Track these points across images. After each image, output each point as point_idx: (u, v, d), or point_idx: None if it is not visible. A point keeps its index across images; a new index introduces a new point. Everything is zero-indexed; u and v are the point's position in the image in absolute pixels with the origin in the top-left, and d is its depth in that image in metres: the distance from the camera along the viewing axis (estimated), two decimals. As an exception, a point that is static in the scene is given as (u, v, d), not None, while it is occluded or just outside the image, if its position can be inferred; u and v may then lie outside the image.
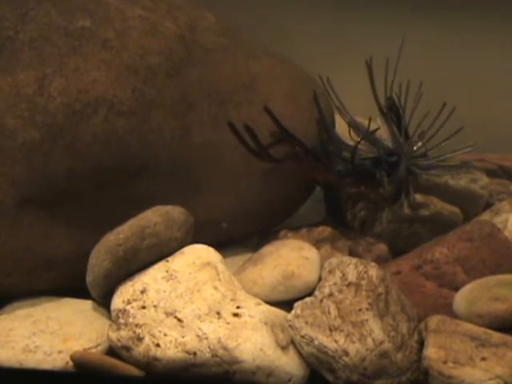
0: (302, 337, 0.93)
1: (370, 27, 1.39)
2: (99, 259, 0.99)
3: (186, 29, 1.11)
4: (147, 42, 1.06)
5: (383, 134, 1.18)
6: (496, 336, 0.93)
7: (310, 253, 1.04)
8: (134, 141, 1.04)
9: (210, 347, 0.92)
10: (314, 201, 1.22)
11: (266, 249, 1.07)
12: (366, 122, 1.14)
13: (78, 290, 1.03)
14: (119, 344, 0.94)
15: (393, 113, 1.16)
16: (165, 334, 0.94)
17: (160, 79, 1.06)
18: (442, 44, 1.40)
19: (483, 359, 0.91)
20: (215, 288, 0.98)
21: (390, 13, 1.38)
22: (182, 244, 1.02)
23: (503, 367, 0.90)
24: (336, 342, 0.92)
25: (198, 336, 0.93)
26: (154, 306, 0.96)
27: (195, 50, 1.10)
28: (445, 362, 0.91)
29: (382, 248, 1.11)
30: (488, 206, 1.19)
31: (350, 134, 1.16)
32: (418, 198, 1.13)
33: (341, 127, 1.19)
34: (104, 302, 1.01)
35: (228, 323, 0.94)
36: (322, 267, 1.01)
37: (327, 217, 1.23)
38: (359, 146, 1.11)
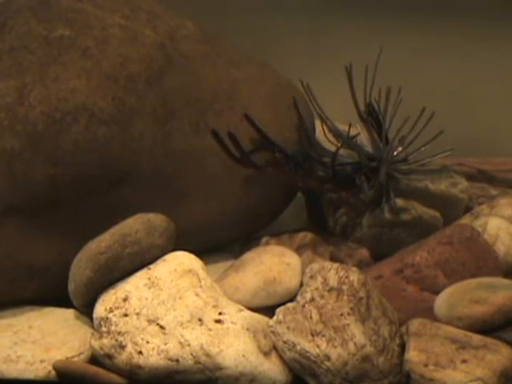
0: (285, 342, 0.94)
1: (350, 33, 1.40)
2: (81, 268, 0.99)
3: (166, 37, 1.11)
4: (127, 51, 1.07)
5: (364, 139, 1.19)
6: (476, 338, 0.94)
7: (292, 259, 1.05)
8: (115, 149, 1.04)
9: (192, 354, 0.93)
10: (295, 207, 1.22)
11: (248, 255, 1.07)
12: (346, 128, 1.15)
13: (61, 299, 1.03)
14: (102, 352, 0.94)
15: (373, 118, 1.17)
16: (147, 342, 0.94)
17: (140, 87, 1.06)
18: (422, 49, 1.41)
19: (464, 361, 0.91)
20: (197, 295, 0.98)
21: (370, 18, 1.39)
22: (164, 251, 1.02)
23: (484, 369, 0.91)
24: (318, 346, 0.92)
25: (180, 343, 0.94)
26: (137, 314, 0.96)
27: (175, 57, 1.10)
28: (426, 365, 0.92)
29: (363, 253, 1.12)
30: (468, 209, 1.20)
31: (327, 138, 1.17)
32: (399, 202, 1.14)
33: (321, 133, 1.20)
34: (86, 310, 1.01)
35: (210, 330, 0.95)
36: (303, 273, 1.02)
37: (309, 223, 1.24)
38: (340, 152, 1.12)
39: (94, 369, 0.94)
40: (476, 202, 1.25)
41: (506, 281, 1.02)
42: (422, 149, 1.17)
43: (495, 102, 1.41)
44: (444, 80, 1.40)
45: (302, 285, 1.01)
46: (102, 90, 1.04)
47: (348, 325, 0.94)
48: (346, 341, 0.93)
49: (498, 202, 1.17)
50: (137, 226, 1.01)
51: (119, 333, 0.95)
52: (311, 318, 0.95)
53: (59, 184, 1.02)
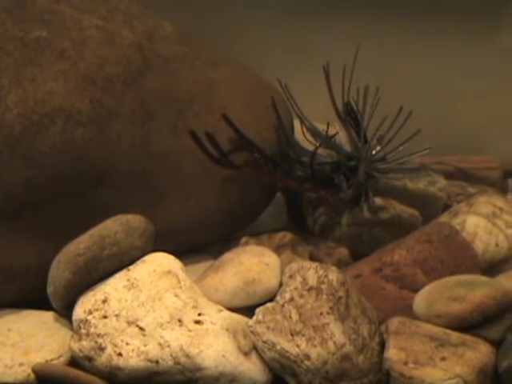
0: (264, 342, 0.94)
1: (328, 32, 1.40)
2: (60, 270, 0.99)
3: (144, 38, 1.11)
4: (104, 52, 1.06)
5: (342, 138, 1.19)
6: (455, 336, 0.95)
7: (271, 259, 1.05)
8: (92, 150, 1.04)
9: (172, 355, 0.93)
10: (275, 206, 1.23)
11: (227, 256, 1.07)
12: (325, 128, 1.15)
13: (40, 302, 1.02)
14: (81, 354, 0.94)
15: (351, 118, 1.18)
16: (127, 343, 0.94)
17: (118, 88, 1.06)
18: (400, 48, 1.41)
19: (443, 359, 0.92)
20: (176, 296, 0.98)
21: (348, 17, 1.39)
22: (143, 252, 1.02)
23: (463, 366, 0.91)
24: (298, 346, 0.93)
25: (160, 344, 0.93)
26: (116, 316, 0.96)
27: (153, 58, 1.10)
28: (406, 363, 0.92)
29: (342, 252, 1.12)
30: (446, 207, 1.21)
31: (306, 138, 1.17)
32: (378, 201, 1.15)
33: (300, 133, 1.20)
34: (66, 312, 1.00)
35: (190, 330, 0.95)
36: (282, 273, 1.02)
37: (289, 222, 1.24)
38: (318, 152, 1.12)
39: (73, 371, 0.94)
40: (454, 200, 1.25)
41: (484, 278, 1.02)
42: (401, 148, 1.17)
43: (474, 100, 1.42)
44: (422, 79, 1.41)
45: (281, 284, 1.01)
46: (79, 92, 1.03)
47: (327, 324, 0.94)
48: (325, 340, 0.93)
49: (477, 200, 1.17)
50: (116, 227, 1.00)
51: (98, 335, 0.95)
52: (291, 317, 0.95)
53: (37, 186, 1.01)
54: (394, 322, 0.97)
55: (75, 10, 1.08)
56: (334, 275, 0.98)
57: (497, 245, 1.11)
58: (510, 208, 1.15)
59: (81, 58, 1.05)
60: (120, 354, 0.93)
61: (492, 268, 1.10)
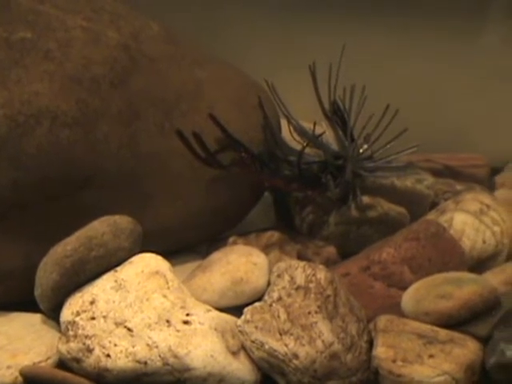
0: (253, 342, 0.94)
1: (315, 31, 1.40)
2: (47, 271, 0.99)
3: (130, 38, 1.10)
4: (90, 52, 1.06)
5: (329, 138, 1.19)
6: (443, 333, 0.95)
7: (259, 258, 1.05)
8: (79, 151, 1.03)
9: (160, 356, 0.92)
10: (263, 206, 1.23)
11: (215, 255, 1.07)
12: (312, 127, 1.15)
13: (28, 304, 1.02)
14: (69, 356, 0.94)
15: (338, 117, 1.18)
16: (115, 345, 0.94)
17: (104, 89, 1.06)
18: (387, 47, 1.42)
19: (431, 356, 0.92)
20: (164, 296, 0.98)
21: (335, 16, 1.39)
22: (131, 253, 1.02)
23: (450, 363, 0.91)
24: (286, 345, 0.93)
25: (148, 345, 0.93)
26: (104, 317, 0.96)
27: (139, 58, 1.10)
28: (394, 361, 0.92)
29: (330, 250, 1.12)
30: (434, 205, 1.21)
31: (293, 138, 1.17)
32: (365, 199, 1.15)
33: (287, 132, 1.20)
34: (53, 314, 1.00)
35: (178, 331, 0.94)
36: (270, 272, 1.02)
37: (277, 221, 1.24)
38: (305, 151, 1.12)
39: (61, 373, 0.93)
40: (442, 197, 1.26)
41: (471, 276, 1.03)
42: (388, 146, 1.17)
43: (461, 98, 1.43)
44: (410, 77, 1.41)
45: (269, 284, 1.01)
46: (65, 93, 1.03)
47: (315, 323, 0.94)
48: (313, 339, 0.93)
49: (464, 198, 1.18)
50: (103, 228, 1.00)
51: (86, 336, 0.94)
52: (279, 316, 0.95)
53: (23, 188, 1.01)
54: (382, 320, 0.97)
55: (60, 10, 1.08)
56: (321, 274, 0.98)
57: (484, 242, 1.11)
58: (497, 205, 1.15)
59: (66, 59, 1.04)
60: (108, 356, 0.93)
61: (479, 265, 1.10)
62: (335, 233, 1.14)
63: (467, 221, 1.13)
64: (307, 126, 1.18)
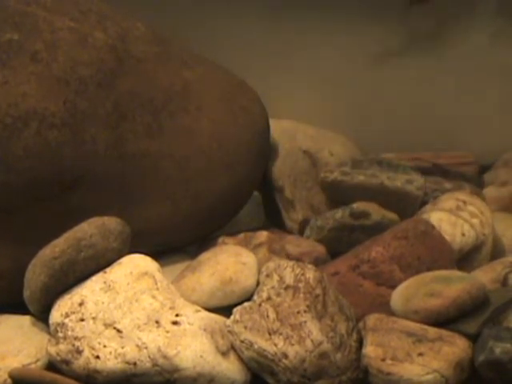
0: (242, 341, 0.94)
1: (300, 31, 1.40)
2: (36, 273, 0.98)
3: (117, 39, 1.10)
4: (77, 54, 1.06)
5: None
6: (432, 331, 0.95)
7: (248, 258, 1.05)
8: (67, 153, 1.03)
9: (150, 356, 0.92)
10: (252, 206, 1.23)
11: (204, 256, 1.07)
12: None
13: (17, 306, 1.02)
14: (58, 358, 0.94)
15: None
16: (104, 346, 0.93)
17: (92, 90, 1.06)
18: (377, 46, 1.42)
19: (420, 354, 0.92)
20: (153, 297, 0.98)
21: (320, 17, 1.39)
22: (120, 254, 1.02)
23: (440, 361, 0.91)
24: (275, 345, 0.93)
25: (137, 346, 0.93)
26: (93, 318, 0.96)
27: (127, 59, 1.10)
28: (383, 360, 0.92)
29: (320, 250, 1.12)
30: (423, 204, 1.21)
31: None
32: (360, 206, 1.14)
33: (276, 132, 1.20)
34: (42, 316, 1.00)
35: (167, 331, 0.94)
36: (259, 272, 1.02)
37: (266, 221, 1.24)
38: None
39: (50, 375, 0.93)
40: (431, 195, 1.26)
41: (460, 273, 1.03)
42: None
43: (450, 96, 1.43)
44: (399, 76, 1.41)
45: (258, 284, 1.01)
46: (52, 94, 1.03)
47: (305, 322, 0.94)
48: (303, 338, 0.93)
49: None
50: (91, 229, 1.00)
51: (76, 338, 0.94)
52: (268, 316, 0.95)
53: (11, 190, 1.01)
54: (372, 319, 0.97)
55: (47, 11, 1.08)
56: (310, 273, 0.98)
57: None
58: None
59: (54, 60, 1.04)
60: (98, 357, 0.93)
61: (465, 257, 1.11)
62: (327, 238, 1.13)
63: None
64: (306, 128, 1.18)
